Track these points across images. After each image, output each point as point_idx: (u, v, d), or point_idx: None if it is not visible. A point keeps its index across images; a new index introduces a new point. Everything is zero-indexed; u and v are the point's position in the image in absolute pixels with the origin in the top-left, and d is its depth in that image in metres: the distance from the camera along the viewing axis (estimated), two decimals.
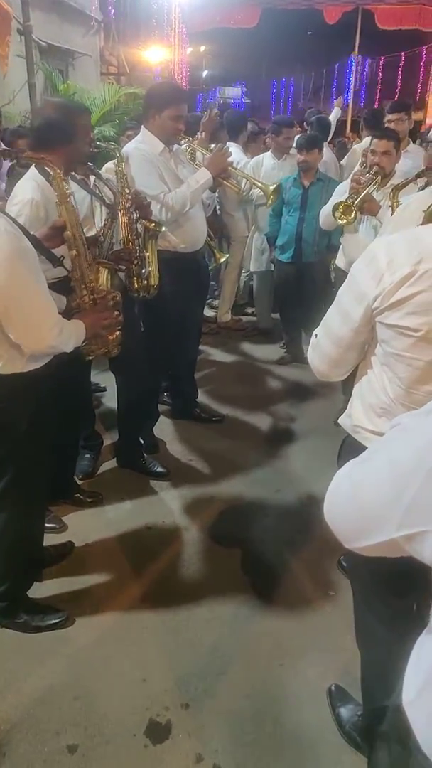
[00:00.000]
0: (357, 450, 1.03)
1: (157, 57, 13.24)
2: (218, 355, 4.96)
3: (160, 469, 3.23)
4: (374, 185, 3.20)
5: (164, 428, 3.70)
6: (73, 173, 2.52)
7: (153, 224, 2.83)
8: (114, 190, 2.68)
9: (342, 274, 3.51)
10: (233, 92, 26.77)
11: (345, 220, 3.15)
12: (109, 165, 3.24)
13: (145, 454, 3.32)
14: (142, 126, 3.14)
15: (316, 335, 1.57)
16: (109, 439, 3.49)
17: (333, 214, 3.20)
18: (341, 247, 3.62)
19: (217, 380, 4.49)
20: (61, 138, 2.30)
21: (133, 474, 3.25)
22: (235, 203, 5.17)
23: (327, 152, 5.33)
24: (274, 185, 3.81)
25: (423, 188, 2.77)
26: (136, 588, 2.49)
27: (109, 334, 2.23)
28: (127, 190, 2.71)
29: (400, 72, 17.06)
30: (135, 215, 2.76)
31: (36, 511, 2.28)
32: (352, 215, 3.14)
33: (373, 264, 1.41)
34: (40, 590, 2.41)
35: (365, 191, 3.13)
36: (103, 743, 1.87)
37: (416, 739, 0.81)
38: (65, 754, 1.84)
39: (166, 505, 3.05)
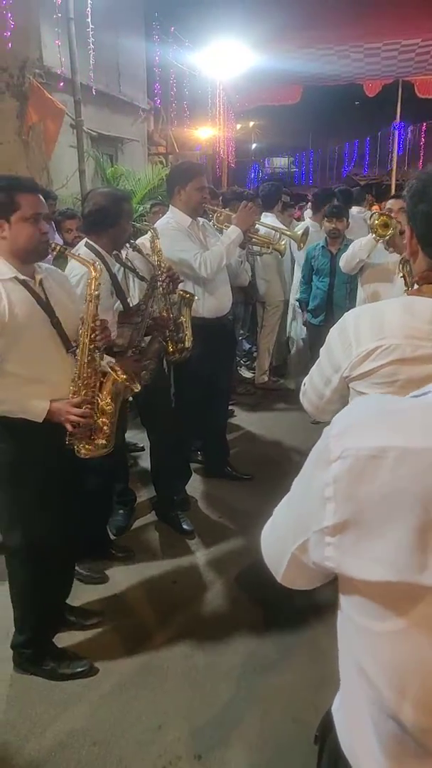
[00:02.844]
0: None
1: (204, 135, 14.13)
2: (253, 415, 5.13)
3: (186, 527, 3.37)
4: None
5: (196, 486, 3.86)
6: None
7: (188, 294, 3.13)
8: (153, 263, 2.96)
9: None
10: (281, 162, 28.01)
11: (378, 232, 3.52)
12: (141, 240, 3.56)
13: (178, 511, 3.48)
14: (170, 205, 3.46)
15: (304, 384, 1.71)
16: (143, 496, 3.67)
17: (372, 224, 3.56)
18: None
19: (251, 440, 4.63)
20: (109, 222, 2.65)
21: (165, 530, 3.40)
22: (271, 268, 5.45)
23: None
24: (301, 230, 4.06)
25: None
26: (159, 639, 2.60)
27: (93, 437, 2.21)
28: (162, 264, 2.99)
29: None
30: (171, 286, 3.02)
31: (51, 564, 2.35)
32: (389, 231, 3.46)
33: (344, 334, 1.51)
34: (69, 637, 2.56)
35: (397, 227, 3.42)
36: None
37: (340, 745, 0.88)
38: None
39: (194, 561, 3.17)
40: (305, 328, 5.30)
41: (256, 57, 9.41)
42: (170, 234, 3.25)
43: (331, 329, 1.59)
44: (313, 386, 1.68)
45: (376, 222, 3.58)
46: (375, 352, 1.42)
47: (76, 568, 2.76)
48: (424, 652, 0.69)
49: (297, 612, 2.76)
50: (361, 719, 0.81)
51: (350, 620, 0.78)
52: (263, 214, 4.93)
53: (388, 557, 0.67)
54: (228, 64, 9.93)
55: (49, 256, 2.31)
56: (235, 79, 12.03)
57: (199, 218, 3.45)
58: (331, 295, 4.71)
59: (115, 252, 2.91)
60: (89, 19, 6.31)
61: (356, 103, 21.37)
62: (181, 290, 3.12)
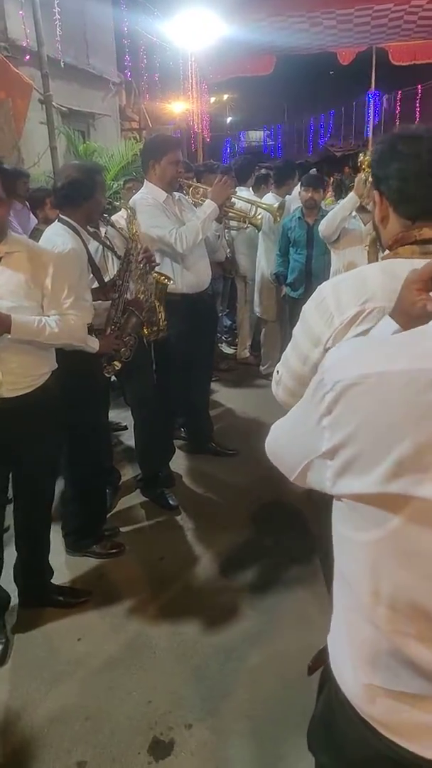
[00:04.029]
0: None
1: (178, 109, 13.88)
2: (236, 391, 5.12)
3: (171, 503, 3.38)
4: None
5: (180, 462, 3.86)
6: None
7: (163, 277, 3.09)
8: (127, 236, 2.90)
9: None
10: (257, 135, 27.66)
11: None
12: (116, 217, 3.50)
13: (162, 488, 3.48)
14: (145, 180, 3.40)
15: (277, 371, 1.68)
16: (127, 474, 3.67)
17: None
18: None
19: (234, 416, 4.64)
20: (83, 195, 2.59)
21: (150, 507, 3.40)
22: (250, 242, 5.39)
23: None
24: (278, 203, 4.01)
25: None
26: (148, 616, 2.62)
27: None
28: (138, 246, 2.94)
29: (418, 104, 17.37)
30: (146, 268, 2.98)
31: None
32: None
33: (322, 306, 1.48)
34: (54, 619, 2.57)
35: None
36: (110, 761, 1.98)
37: (334, 676, 0.94)
38: None
39: (180, 536, 3.18)
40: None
41: (226, 27, 9.21)
42: (145, 210, 3.20)
43: (305, 306, 1.56)
44: (290, 370, 1.62)
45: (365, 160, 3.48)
46: (359, 317, 1.39)
47: (94, 548, 2.95)
48: (396, 558, 0.80)
49: (284, 583, 2.79)
50: (342, 630, 0.93)
51: (338, 535, 0.91)
52: (237, 188, 4.86)
53: (377, 474, 0.76)
54: (199, 34, 9.69)
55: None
56: (206, 50, 11.78)
57: (174, 193, 3.39)
58: (309, 267, 4.69)
59: (93, 229, 2.86)
60: None
61: (330, 72, 21.10)
62: (157, 272, 3.09)
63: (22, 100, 5.97)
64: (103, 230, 2.90)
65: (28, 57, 6.21)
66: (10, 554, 2.56)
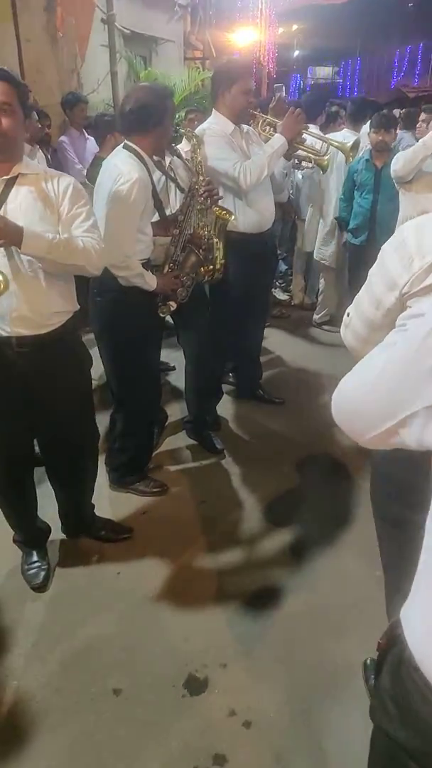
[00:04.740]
0: None
1: (244, 39, 13.16)
2: (286, 338, 5.00)
3: (218, 446, 3.35)
4: None
5: (227, 407, 3.81)
6: None
7: (225, 212, 2.94)
8: (192, 169, 2.77)
9: None
10: (324, 72, 26.15)
11: None
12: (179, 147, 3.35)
13: (209, 431, 3.45)
14: (213, 109, 3.21)
15: (348, 314, 1.59)
16: (174, 415, 3.65)
17: None
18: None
19: (283, 364, 4.53)
20: (153, 121, 2.43)
21: (195, 450, 3.39)
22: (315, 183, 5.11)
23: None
24: (352, 141, 3.74)
25: None
26: (188, 557, 2.62)
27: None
28: (201, 177, 2.79)
29: None
30: (208, 202, 2.85)
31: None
32: None
33: (402, 248, 1.38)
34: (95, 552, 2.61)
35: None
36: (145, 690, 2.03)
37: (409, 647, 0.88)
38: (110, 696, 2.01)
39: (223, 481, 3.16)
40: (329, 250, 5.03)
41: None
42: (210, 140, 3.04)
43: (384, 245, 1.47)
44: (361, 314, 1.54)
45: None
46: None
47: (138, 485, 2.94)
48: None
49: (326, 537, 2.75)
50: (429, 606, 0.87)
51: None
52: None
53: None
54: None
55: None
56: None
57: (243, 125, 3.20)
58: (375, 212, 4.43)
59: (157, 158, 2.73)
60: None
61: (410, 5, 19.59)
62: (218, 207, 2.94)
63: (84, 19, 5.71)
64: (167, 160, 2.76)
65: None
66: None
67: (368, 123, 4.97)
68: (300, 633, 2.26)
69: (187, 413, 3.52)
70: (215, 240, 2.89)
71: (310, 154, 3.48)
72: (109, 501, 2.93)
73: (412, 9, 19.80)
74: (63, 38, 6.05)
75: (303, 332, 5.14)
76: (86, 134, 5.50)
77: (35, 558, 2.49)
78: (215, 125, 3.14)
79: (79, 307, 2.22)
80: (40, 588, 2.41)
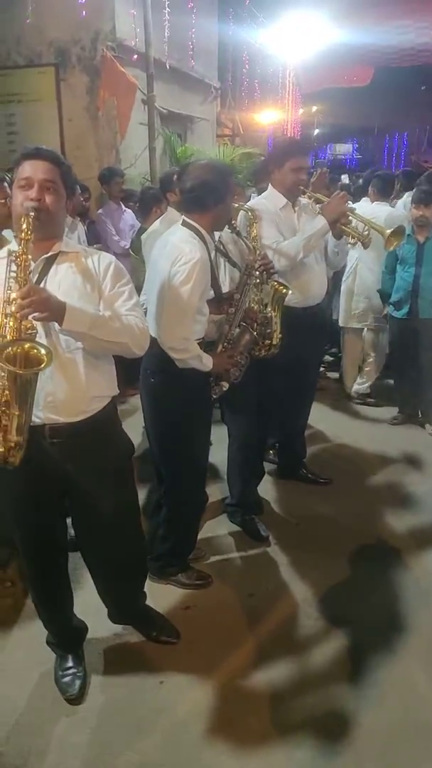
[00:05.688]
0: None
1: (269, 118, 13.73)
2: (327, 412, 4.80)
3: (263, 533, 3.12)
4: None
5: (268, 488, 3.59)
6: None
7: (281, 286, 2.84)
8: (248, 246, 2.68)
9: None
10: (344, 148, 27.10)
11: None
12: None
13: (252, 515, 3.23)
14: (269, 184, 3.20)
15: None
16: (212, 496, 3.43)
17: None
18: None
19: (326, 440, 4.32)
20: (214, 198, 2.35)
21: (238, 535, 3.15)
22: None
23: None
24: (392, 229, 3.62)
25: None
26: (237, 664, 2.35)
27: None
28: (258, 251, 2.71)
29: None
30: (264, 276, 2.76)
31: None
32: None
33: None
34: (135, 656, 2.35)
35: None
36: None
37: None
38: None
39: (271, 572, 2.90)
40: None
41: (332, 32, 8.97)
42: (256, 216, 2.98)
43: None
44: None
45: None
46: None
47: (179, 577, 2.75)
48: None
49: (386, 640, 2.46)
50: None
51: None
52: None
53: None
54: (300, 41, 9.52)
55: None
56: (305, 60, 11.59)
57: (300, 198, 3.15)
58: (417, 286, 4.33)
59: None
60: None
61: (423, 87, 20.36)
62: (276, 281, 2.85)
63: (126, 100, 5.90)
64: (217, 235, 2.68)
65: (135, 57, 6.14)
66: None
67: (405, 196, 4.96)
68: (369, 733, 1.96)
69: (227, 495, 3.31)
70: (273, 314, 2.77)
71: (353, 233, 3.35)
72: (148, 593, 2.68)
73: (422, 93, 20.58)
74: (103, 117, 6.24)
75: (343, 405, 4.94)
76: (123, 207, 5.56)
77: (70, 663, 2.24)
78: (265, 200, 3.10)
79: (119, 391, 2.08)
80: (76, 699, 2.15)
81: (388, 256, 4.56)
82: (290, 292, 2.86)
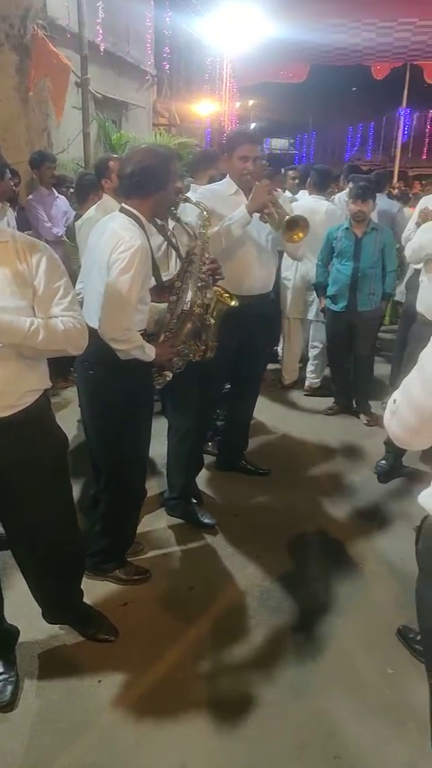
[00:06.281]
0: None
1: (206, 110, 13.68)
2: (265, 403, 4.79)
3: (207, 521, 3.09)
4: None
5: (206, 479, 3.55)
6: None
7: (226, 296, 2.78)
8: (193, 233, 2.59)
9: (418, 320, 3.41)
10: (280, 143, 27.44)
11: None
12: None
13: (195, 503, 3.19)
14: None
15: (394, 401, 1.38)
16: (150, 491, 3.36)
17: None
18: (420, 292, 3.48)
19: (265, 430, 4.33)
20: (156, 185, 2.26)
21: (177, 528, 3.09)
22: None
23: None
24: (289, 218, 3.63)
25: None
26: (178, 658, 2.30)
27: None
28: (206, 255, 2.64)
29: None
30: (210, 280, 2.67)
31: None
32: None
33: None
34: (70, 656, 2.27)
35: None
36: None
37: None
38: None
39: (211, 564, 2.86)
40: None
41: (268, 25, 8.98)
42: (199, 195, 3.02)
43: None
44: (410, 400, 1.32)
45: None
46: None
47: (117, 573, 2.66)
48: None
49: (329, 626, 2.48)
50: None
51: None
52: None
53: None
54: (238, 33, 9.49)
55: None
56: (243, 53, 11.57)
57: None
58: (355, 280, 4.39)
59: (161, 223, 2.57)
60: None
61: (353, 89, 20.85)
62: (220, 287, 2.79)
63: (60, 81, 5.69)
64: (171, 224, 2.60)
65: (68, 36, 5.92)
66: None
67: (345, 191, 5.01)
68: (313, 751, 1.96)
69: (165, 489, 3.24)
70: (211, 321, 2.69)
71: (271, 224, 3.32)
72: (85, 591, 2.58)
73: (361, 92, 21.14)
74: (34, 98, 6.00)
75: (279, 396, 4.97)
76: (56, 192, 5.37)
77: (0, 669, 2.12)
78: (218, 186, 3.23)
79: (51, 384, 2.00)
80: (8, 706, 2.04)
81: (324, 248, 4.60)
82: (234, 303, 2.80)
